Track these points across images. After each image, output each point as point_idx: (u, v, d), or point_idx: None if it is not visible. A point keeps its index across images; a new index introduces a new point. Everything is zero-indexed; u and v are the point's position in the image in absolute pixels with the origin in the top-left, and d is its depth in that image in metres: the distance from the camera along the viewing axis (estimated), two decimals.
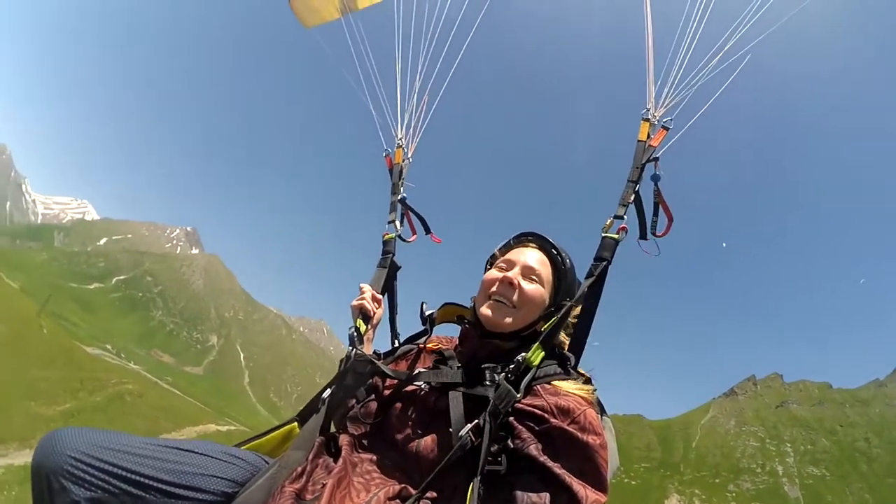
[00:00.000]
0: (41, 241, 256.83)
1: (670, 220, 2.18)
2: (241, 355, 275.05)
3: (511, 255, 1.93)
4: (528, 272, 1.85)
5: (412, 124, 2.96)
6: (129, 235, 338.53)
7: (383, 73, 3.00)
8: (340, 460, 1.57)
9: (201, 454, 1.47)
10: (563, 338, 1.91)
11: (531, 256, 1.89)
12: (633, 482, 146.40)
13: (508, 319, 1.79)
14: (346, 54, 3.16)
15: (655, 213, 2.19)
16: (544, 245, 1.94)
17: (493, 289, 1.83)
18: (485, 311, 1.81)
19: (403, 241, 2.65)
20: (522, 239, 2.00)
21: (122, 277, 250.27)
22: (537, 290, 1.82)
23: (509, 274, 1.83)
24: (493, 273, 1.88)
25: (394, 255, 2.53)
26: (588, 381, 1.77)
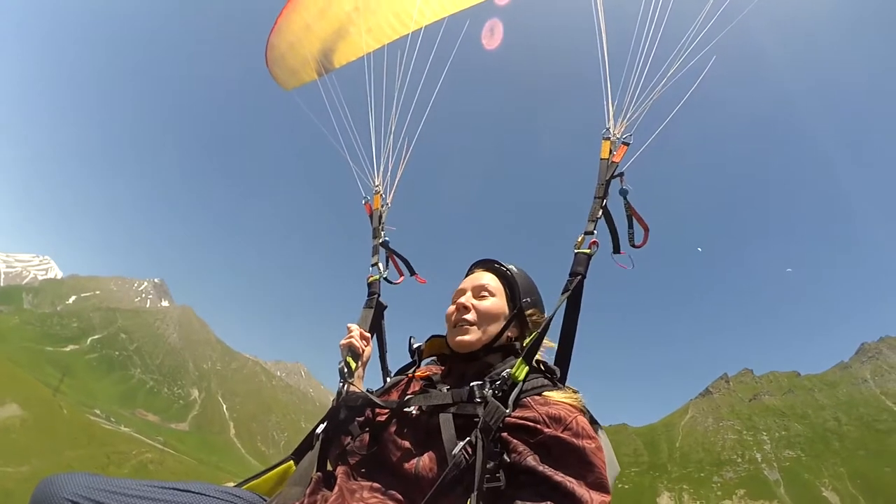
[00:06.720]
0: (10, 303, 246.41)
1: (646, 229, 2.22)
2: (224, 406, 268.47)
3: (461, 286, 2.07)
4: (476, 291, 2.00)
5: (389, 170, 3.01)
6: (98, 292, 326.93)
7: (357, 122, 3.09)
8: (336, 488, 1.58)
9: (197, 493, 1.47)
10: (549, 343, 1.98)
11: (476, 278, 2.05)
12: (626, 486, 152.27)
13: (475, 338, 1.90)
14: (321, 107, 3.30)
15: (631, 226, 2.23)
16: (485, 264, 2.12)
17: (453, 318, 1.97)
18: (451, 339, 1.95)
19: (390, 283, 2.75)
20: (470, 269, 2.16)
21: (96, 337, 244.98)
22: (491, 303, 1.96)
23: (461, 300, 1.97)
24: (450, 307, 2.02)
25: (379, 295, 2.62)
26: (575, 391, 1.79)
